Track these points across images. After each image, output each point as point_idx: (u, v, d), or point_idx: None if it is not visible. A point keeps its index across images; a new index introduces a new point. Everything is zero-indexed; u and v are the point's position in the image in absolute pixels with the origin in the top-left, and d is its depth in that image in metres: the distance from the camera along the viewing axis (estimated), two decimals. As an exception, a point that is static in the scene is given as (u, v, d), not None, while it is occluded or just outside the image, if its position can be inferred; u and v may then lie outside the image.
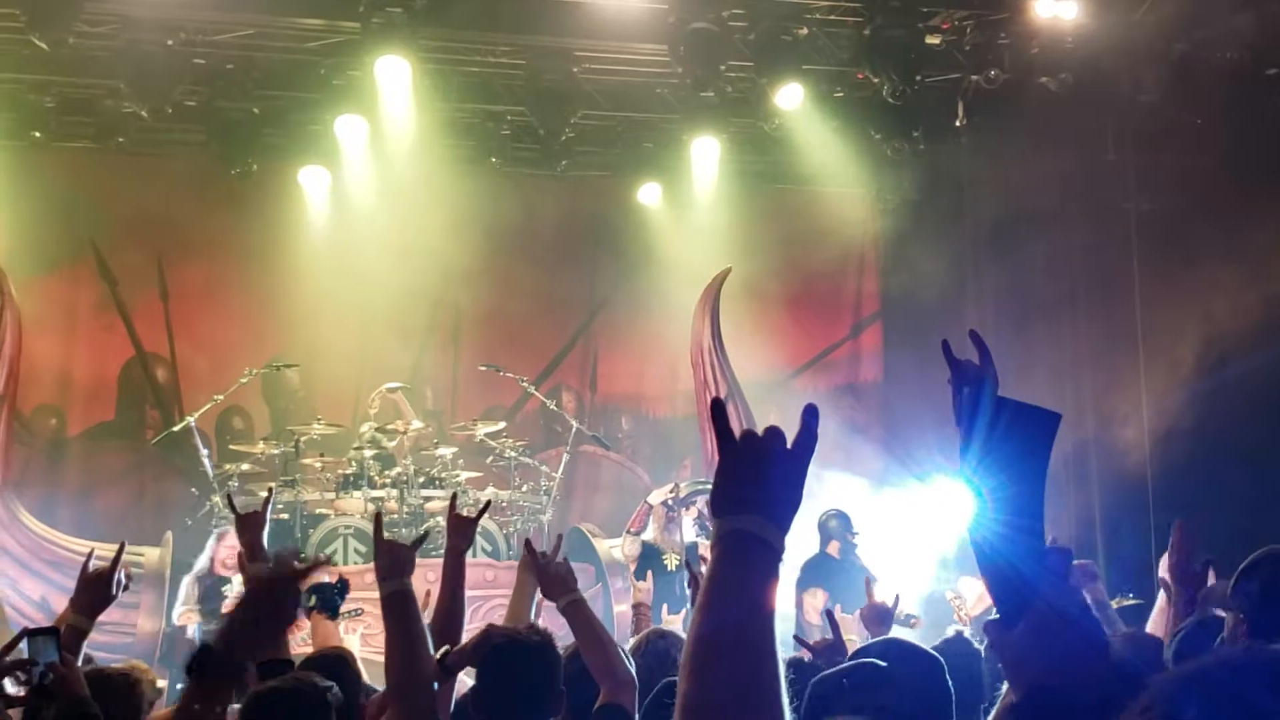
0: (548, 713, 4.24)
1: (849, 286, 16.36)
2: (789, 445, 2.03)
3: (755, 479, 2.01)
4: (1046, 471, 1.92)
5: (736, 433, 2.01)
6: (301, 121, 14.40)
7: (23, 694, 4.29)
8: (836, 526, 11.24)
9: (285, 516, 12.84)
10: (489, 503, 5.36)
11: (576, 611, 5.01)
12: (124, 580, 4.91)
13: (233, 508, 5.70)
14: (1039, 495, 1.92)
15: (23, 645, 4.23)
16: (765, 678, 1.89)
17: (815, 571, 10.81)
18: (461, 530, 5.21)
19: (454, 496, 4.99)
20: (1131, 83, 13.42)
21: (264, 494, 6.16)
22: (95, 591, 4.79)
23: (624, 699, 4.71)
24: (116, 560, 4.83)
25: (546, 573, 5.19)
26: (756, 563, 1.96)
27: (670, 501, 12.01)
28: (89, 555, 5.11)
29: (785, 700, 1.89)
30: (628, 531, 12.25)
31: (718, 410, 2.11)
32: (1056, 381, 14.07)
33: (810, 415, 1.96)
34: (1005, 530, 1.99)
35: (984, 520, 2.05)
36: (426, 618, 4.46)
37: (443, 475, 13.06)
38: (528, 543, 5.46)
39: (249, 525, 5.06)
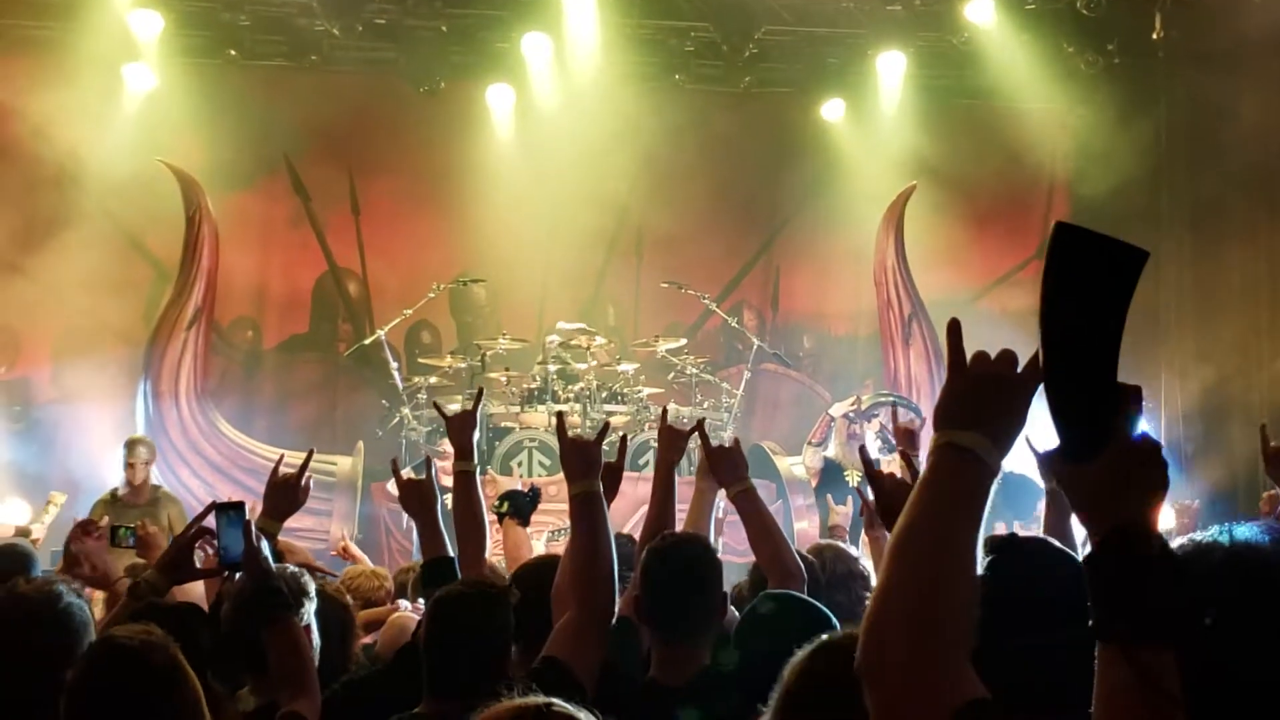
0: (709, 619, 4.22)
1: (1037, 205, 15.99)
2: (1018, 370, 2.04)
3: (980, 399, 2.03)
4: (1125, 317, 1.80)
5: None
6: (488, 39, 14.53)
7: (209, 565, 4.45)
8: None
9: (472, 429, 13.08)
10: (607, 424, 5.30)
11: (747, 500, 4.97)
12: (309, 485, 5.05)
13: (440, 410, 5.87)
14: (1117, 343, 1.81)
15: (210, 519, 4.37)
16: (960, 583, 1.93)
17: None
18: (673, 444, 5.25)
19: (560, 415, 4.64)
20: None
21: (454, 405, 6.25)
22: (283, 496, 4.92)
23: (792, 589, 4.66)
24: (304, 466, 4.96)
25: (720, 457, 5.10)
26: (969, 476, 1.99)
27: (852, 414, 11.98)
28: (279, 460, 5.27)
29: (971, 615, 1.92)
30: (809, 443, 12.30)
31: (954, 331, 2.11)
32: (1251, 303, 13.68)
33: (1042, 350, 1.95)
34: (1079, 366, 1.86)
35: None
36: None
37: (625, 390, 13.19)
38: (700, 426, 5.38)
39: (460, 425, 5.14)
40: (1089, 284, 1.80)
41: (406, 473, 5.12)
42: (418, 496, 4.98)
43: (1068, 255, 1.82)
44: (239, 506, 4.33)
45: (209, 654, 3.76)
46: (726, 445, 5.18)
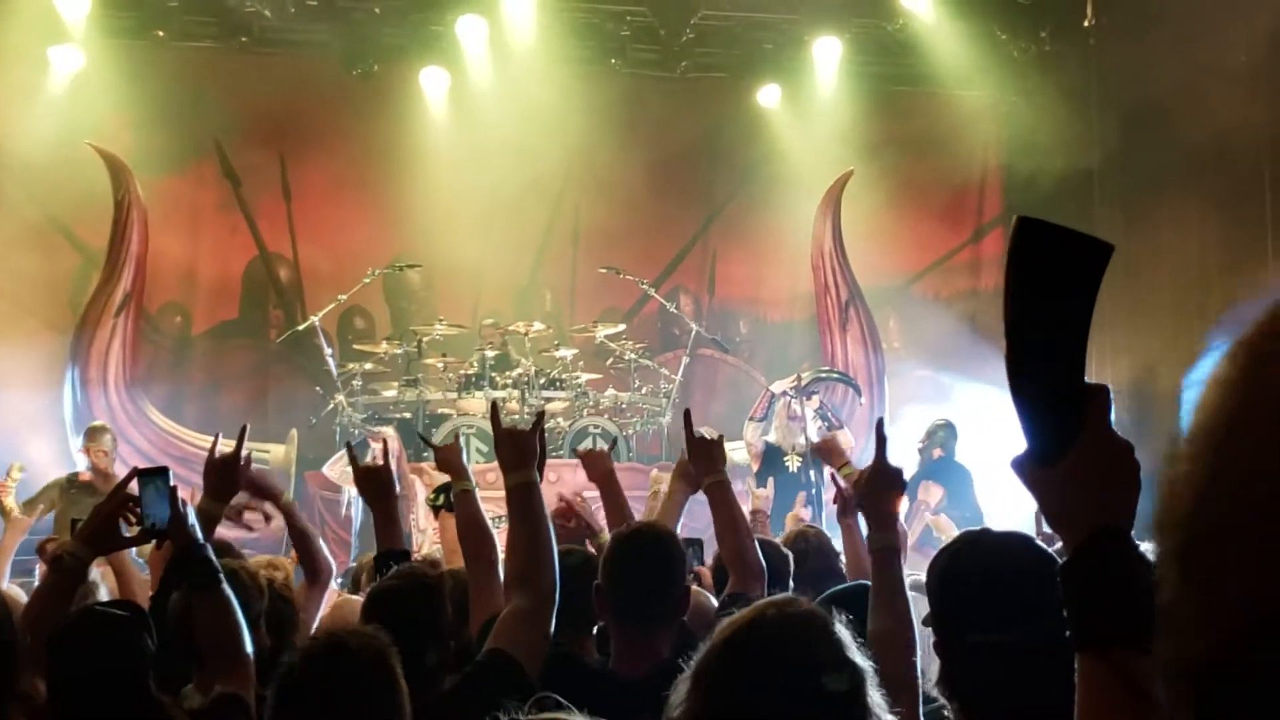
0: (671, 612, 4.15)
1: (971, 191, 16.09)
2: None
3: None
4: (1091, 314, 1.74)
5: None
6: (422, 21, 14.41)
7: (134, 534, 4.32)
8: (944, 436, 11.76)
9: (407, 416, 13.00)
10: (542, 412, 5.29)
11: (719, 492, 4.96)
12: (248, 462, 4.96)
13: (427, 442, 5.83)
14: (1083, 342, 1.75)
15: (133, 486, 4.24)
16: None
17: (929, 469, 11.44)
18: (595, 460, 5.27)
19: (494, 405, 4.61)
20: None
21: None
22: (222, 476, 4.83)
23: (752, 589, 4.65)
24: (239, 444, 4.87)
25: (699, 447, 5.14)
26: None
27: (792, 391, 12.01)
28: (214, 441, 5.18)
29: None
30: (750, 419, 12.34)
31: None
32: (1182, 288, 13.81)
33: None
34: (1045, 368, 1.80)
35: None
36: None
37: (563, 376, 13.14)
38: (687, 415, 5.36)
39: (449, 453, 5.12)
40: (1052, 280, 1.75)
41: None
42: (376, 484, 4.91)
43: (1030, 251, 1.77)
44: (163, 472, 4.21)
45: (153, 656, 3.64)
46: (709, 436, 5.19)
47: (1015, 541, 3.00)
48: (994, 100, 15.47)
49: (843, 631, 2.53)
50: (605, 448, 5.79)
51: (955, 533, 6.58)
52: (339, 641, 3.19)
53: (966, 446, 11.80)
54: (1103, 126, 14.68)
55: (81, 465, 11.15)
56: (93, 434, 11.06)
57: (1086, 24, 14.14)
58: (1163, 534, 0.89)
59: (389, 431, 11.94)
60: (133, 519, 4.22)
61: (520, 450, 4.12)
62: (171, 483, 4.13)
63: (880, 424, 4.21)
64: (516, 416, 12.41)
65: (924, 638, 4.02)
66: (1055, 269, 1.75)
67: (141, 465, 4.55)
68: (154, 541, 4.30)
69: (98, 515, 4.27)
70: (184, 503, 4.05)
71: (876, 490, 3.83)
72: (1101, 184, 14.75)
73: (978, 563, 2.90)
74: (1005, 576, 2.80)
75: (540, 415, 4.68)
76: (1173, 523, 0.89)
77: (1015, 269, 1.76)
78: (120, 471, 11.34)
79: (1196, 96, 13.32)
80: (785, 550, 5.46)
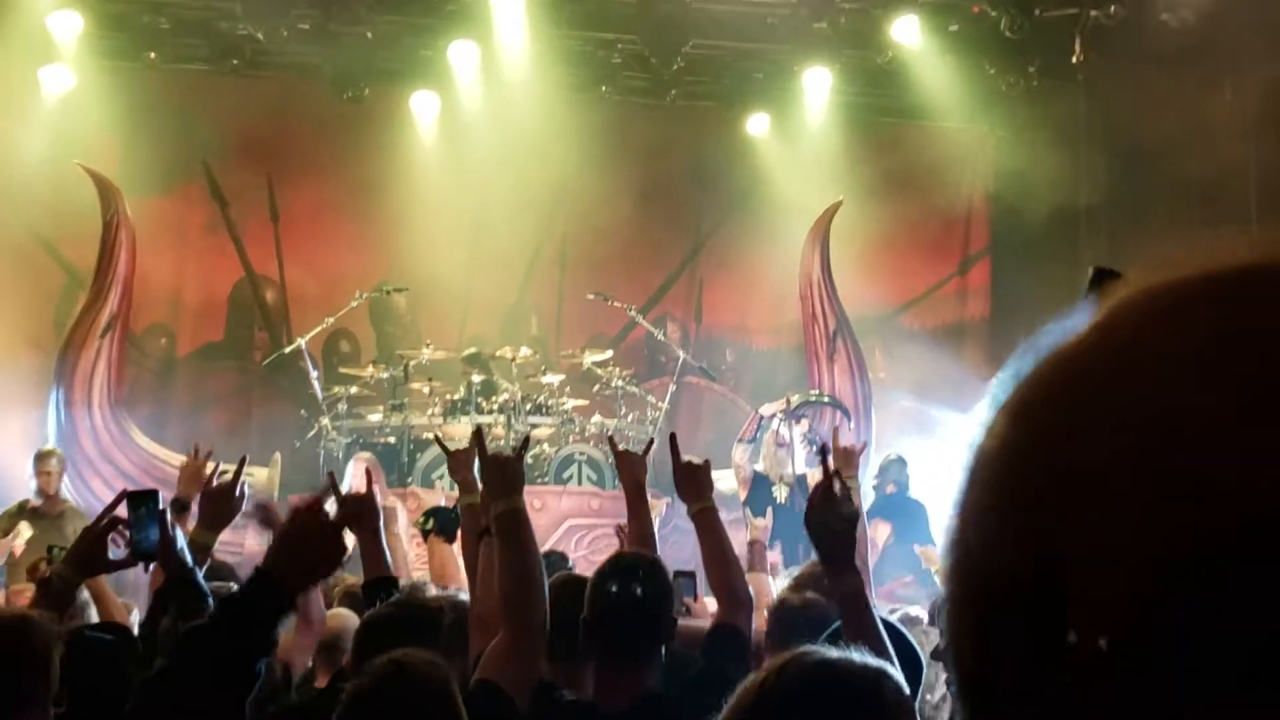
0: (655, 643, 4.11)
1: (958, 222, 16.15)
2: None
3: None
4: None
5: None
6: (414, 46, 14.43)
7: (123, 557, 4.28)
8: (895, 471, 11.84)
9: (392, 440, 12.97)
10: (527, 438, 5.14)
11: (706, 519, 4.84)
12: (245, 494, 4.93)
13: (442, 445, 5.77)
14: None
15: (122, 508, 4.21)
16: None
17: (880, 505, 11.41)
18: (632, 466, 5.18)
19: (478, 430, 4.53)
20: (1254, 21, 13.07)
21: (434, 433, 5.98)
22: (218, 505, 4.80)
23: (740, 619, 4.60)
24: (238, 474, 4.84)
25: (686, 473, 4.97)
26: None
27: (782, 414, 12.00)
28: (214, 471, 5.14)
29: None
30: (739, 440, 12.32)
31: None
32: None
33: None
34: None
35: None
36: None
37: (549, 402, 13.11)
38: (673, 438, 5.22)
39: (460, 463, 5.07)
40: None
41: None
42: (360, 512, 4.87)
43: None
44: (153, 495, 4.18)
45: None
46: (696, 462, 5.03)
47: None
48: (982, 133, 15.56)
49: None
50: (641, 451, 5.59)
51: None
52: (401, 666, 3.18)
53: (952, 480, 11.76)
54: (1090, 162, 14.75)
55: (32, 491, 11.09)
56: (39, 458, 11.10)
57: (1075, 60, 14.19)
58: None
59: (368, 456, 11.88)
60: (122, 541, 4.19)
61: (507, 476, 4.06)
62: (161, 506, 4.10)
63: (825, 449, 4.12)
64: (502, 442, 12.38)
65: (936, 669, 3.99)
66: None
67: (125, 487, 4.52)
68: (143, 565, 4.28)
69: (86, 537, 4.24)
70: (173, 526, 4.02)
71: (826, 524, 3.63)
72: (1089, 219, 14.80)
73: None
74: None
75: (526, 440, 4.65)
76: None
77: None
78: (68, 493, 11.41)
79: (1185, 134, 13.39)
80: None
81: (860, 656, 2.49)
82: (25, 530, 10.06)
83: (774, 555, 9.62)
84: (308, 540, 3.00)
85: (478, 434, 4.32)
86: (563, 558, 7.66)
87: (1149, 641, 0.65)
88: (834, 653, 2.48)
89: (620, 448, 5.60)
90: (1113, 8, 13.29)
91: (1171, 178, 13.65)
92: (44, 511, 10.66)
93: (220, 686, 2.80)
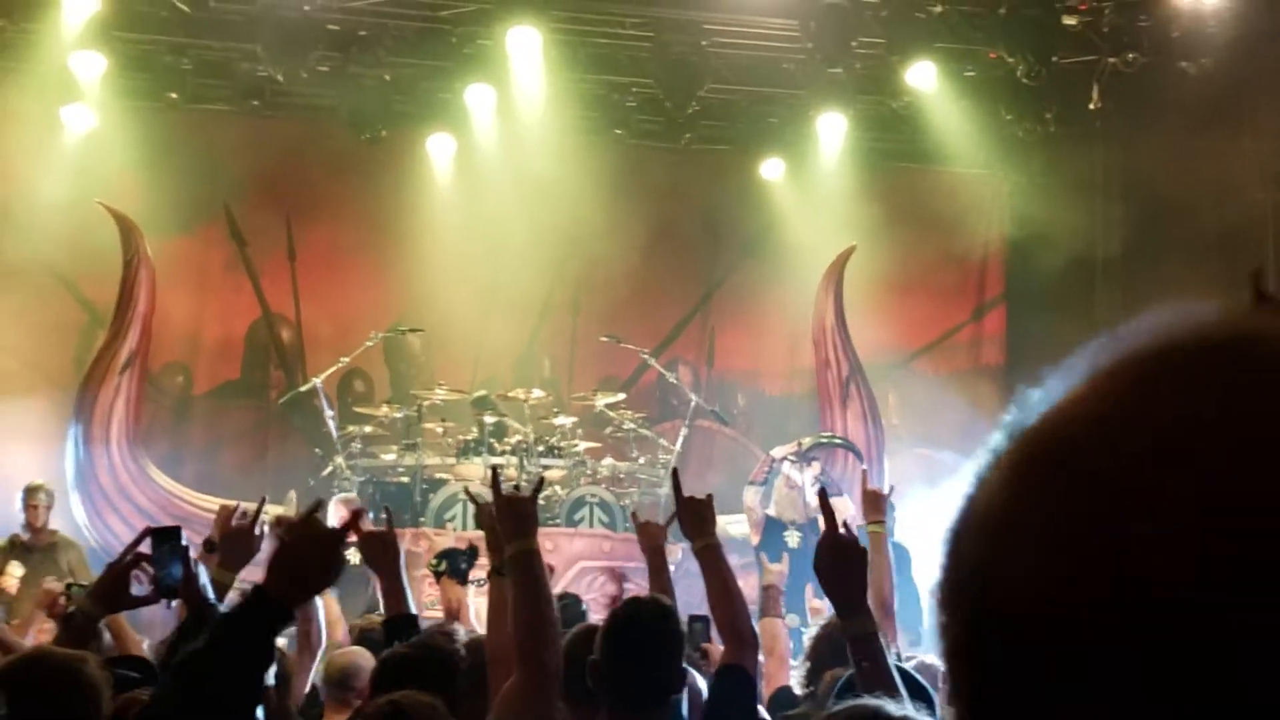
0: (666, 693, 4.08)
1: (973, 269, 16.18)
2: None
3: None
4: None
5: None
6: (431, 89, 14.54)
7: (146, 593, 4.30)
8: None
9: (405, 480, 13.00)
10: (541, 479, 5.06)
11: (711, 556, 4.78)
12: (265, 534, 4.95)
13: (473, 500, 5.78)
14: None
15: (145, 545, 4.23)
16: None
17: None
18: (653, 533, 5.23)
19: (494, 470, 4.50)
20: (1274, 70, 13.12)
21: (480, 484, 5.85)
22: (239, 546, 4.82)
23: (746, 660, 4.57)
24: (257, 514, 4.87)
25: (689, 509, 4.94)
26: None
27: (793, 456, 11.99)
28: (234, 510, 5.17)
29: None
30: (750, 483, 12.30)
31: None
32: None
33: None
34: None
35: None
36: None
37: (562, 444, 13.13)
38: (675, 475, 5.31)
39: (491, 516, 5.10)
40: None
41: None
42: (380, 548, 4.87)
43: None
44: (176, 531, 4.20)
45: None
46: (699, 497, 5.01)
47: None
48: (998, 179, 15.61)
49: None
50: (663, 521, 5.64)
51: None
52: (398, 708, 3.20)
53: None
54: (1106, 208, 14.78)
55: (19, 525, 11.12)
56: (29, 491, 11.17)
57: (1093, 107, 14.23)
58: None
59: (352, 496, 11.87)
60: (145, 578, 4.23)
61: (521, 518, 4.03)
62: (184, 542, 4.13)
63: (824, 493, 4.10)
64: (515, 484, 12.38)
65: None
66: None
67: (145, 525, 4.55)
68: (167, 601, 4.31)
69: (110, 573, 4.28)
70: (195, 563, 4.05)
71: (835, 567, 3.61)
72: (1104, 266, 14.82)
73: None
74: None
75: (540, 482, 4.64)
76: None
77: None
78: (58, 525, 11.45)
79: (1203, 183, 13.42)
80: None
81: (899, 709, 2.52)
82: (16, 569, 10.08)
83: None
84: (302, 551, 3.02)
85: (494, 474, 4.29)
86: (577, 600, 7.67)
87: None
88: (871, 702, 2.51)
89: (641, 520, 5.67)
90: (1131, 55, 13.33)
91: (1189, 227, 13.67)
92: (33, 545, 10.79)
93: (224, 704, 2.83)
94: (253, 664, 2.87)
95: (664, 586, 5.20)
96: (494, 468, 4.68)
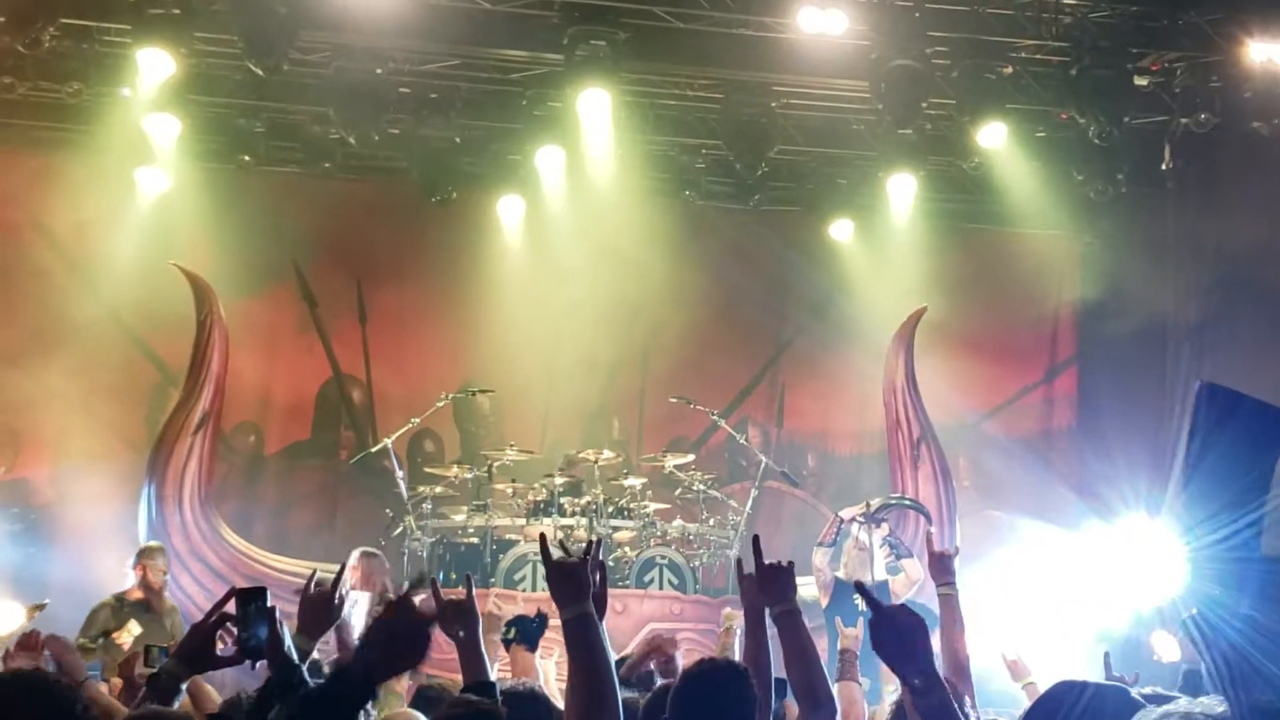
0: None
1: (1045, 330, 16.06)
2: None
3: None
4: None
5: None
6: (501, 151, 14.64)
7: (231, 654, 4.28)
8: None
9: (475, 540, 12.98)
10: (591, 542, 4.96)
11: (789, 621, 4.76)
12: (343, 599, 4.91)
13: (546, 556, 5.63)
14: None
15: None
16: None
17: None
18: (755, 590, 5.08)
19: (542, 536, 4.23)
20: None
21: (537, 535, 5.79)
22: (318, 611, 4.78)
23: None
24: (338, 580, 4.83)
25: (769, 575, 4.90)
26: None
27: (862, 518, 11.89)
28: (311, 577, 5.14)
29: None
30: (819, 544, 12.21)
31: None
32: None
33: None
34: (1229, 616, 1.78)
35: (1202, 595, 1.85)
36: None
37: (631, 506, 13.08)
38: (755, 542, 5.05)
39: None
40: (1231, 446, 1.76)
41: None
42: (459, 616, 4.82)
43: (1212, 414, 1.79)
44: (261, 593, 4.18)
45: None
46: (780, 564, 4.94)
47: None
48: (1070, 240, 15.51)
49: None
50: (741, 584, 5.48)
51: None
52: None
53: (1034, 590, 11.60)
54: (1179, 270, 14.63)
55: (130, 582, 11.12)
56: (150, 553, 11.12)
57: (1165, 168, 14.13)
58: None
59: (373, 552, 11.58)
60: (229, 639, 4.21)
61: (573, 583, 3.87)
62: (270, 603, 4.11)
63: (860, 585, 3.97)
64: (584, 545, 12.32)
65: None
66: (1236, 436, 1.78)
67: (214, 583, 4.56)
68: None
69: (196, 634, 4.26)
70: (281, 624, 4.03)
71: (888, 638, 3.42)
72: (1177, 327, 14.65)
73: None
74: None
75: (591, 545, 4.52)
76: None
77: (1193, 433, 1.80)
78: (173, 593, 11.44)
79: (1272, 243, 13.28)
80: None
81: None
82: (135, 627, 10.17)
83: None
84: (397, 633, 2.99)
85: (542, 539, 4.17)
86: (649, 675, 7.48)
87: None
88: None
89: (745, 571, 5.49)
90: (1203, 115, 13.22)
91: (1264, 290, 13.53)
92: (152, 607, 10.69)
93: None
94: None
95: (758, 646, 5.10)
96: (541, 534, 4.55)
